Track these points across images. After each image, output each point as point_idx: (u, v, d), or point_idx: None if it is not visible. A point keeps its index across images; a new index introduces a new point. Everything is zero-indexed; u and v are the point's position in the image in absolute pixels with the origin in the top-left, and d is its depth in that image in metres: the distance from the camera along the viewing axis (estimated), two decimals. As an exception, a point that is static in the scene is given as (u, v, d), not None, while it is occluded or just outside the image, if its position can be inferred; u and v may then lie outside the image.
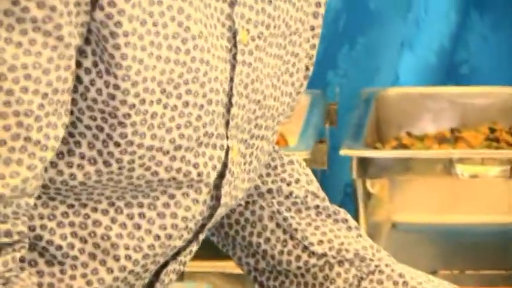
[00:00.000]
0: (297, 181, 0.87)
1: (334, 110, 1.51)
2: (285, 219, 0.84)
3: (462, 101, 1.57)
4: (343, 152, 1.33)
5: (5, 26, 0.61)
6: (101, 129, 0.68)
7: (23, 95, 0.63)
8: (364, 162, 1.34)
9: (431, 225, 1.49)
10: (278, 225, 0.84)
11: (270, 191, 0.86)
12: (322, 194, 0.87)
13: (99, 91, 0.66)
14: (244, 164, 0.78)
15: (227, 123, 0.74)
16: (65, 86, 0.65)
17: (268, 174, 0.89)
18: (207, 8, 0.70)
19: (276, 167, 0.89)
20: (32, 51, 0.63)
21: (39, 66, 0.64)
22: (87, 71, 0.66)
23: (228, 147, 0.74)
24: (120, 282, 0.74)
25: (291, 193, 0.86)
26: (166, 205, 0.73)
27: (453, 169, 1.33)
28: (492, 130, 1.51)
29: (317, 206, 0.84)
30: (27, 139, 0.64)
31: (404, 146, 1.48)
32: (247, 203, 0.87)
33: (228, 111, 0.74)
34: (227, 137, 0.74)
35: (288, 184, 0.87)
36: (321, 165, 1.35)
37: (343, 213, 0.84)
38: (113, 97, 0.66)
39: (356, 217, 1.29)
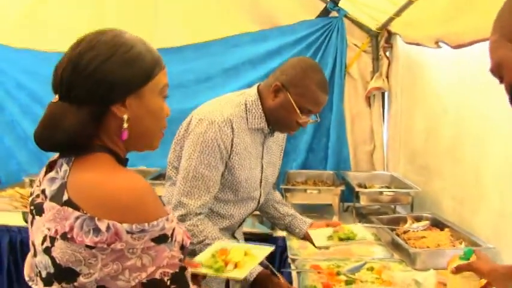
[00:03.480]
0: (281, 199, 2.12)
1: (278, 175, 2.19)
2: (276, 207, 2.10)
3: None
4: (281, 186, 2.88)
5: (206, 178, 1.73)
6: (229, 187, 1.82)
7: (209, 182, 1.75)
8: (286, 189, 2.89)
9: (299, 204, 2.91)
10: (276, 208, 2.09)
11: (274, 201, 2.09)
12: (283, 201, 2.13)
13: (228, 179, 1.81)
14: (264, 194, 1.93)
15: (260, 185, 1.89)
16: (219, 178, 1.76)
17: (274, 200, 2.10)
18: (256, 161, 1.84)
19: (277, 199, 2.10)
20: (213, 174, 1.75)
21: (215, 176, 1.76)
22: (224, 174, 1.79)
23: (261, 191, 1.91)
24: (235, 223, 1.94)
25: (280, 200, 2.11)
26: (246, 204, 1.90)
27: (306, 191, 2.83)
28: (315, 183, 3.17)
29: (281, 201, 2.12)
30: (209, 191, 1.76)
31: (294, 185, 3.14)
32: (270, 206, 2.09)
33: (260, 182, 1.89)
34: (260, 188, 1.90)
35: (277, 202, 2.12)
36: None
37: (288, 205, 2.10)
38: (231, 181, 1.80)
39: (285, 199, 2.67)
